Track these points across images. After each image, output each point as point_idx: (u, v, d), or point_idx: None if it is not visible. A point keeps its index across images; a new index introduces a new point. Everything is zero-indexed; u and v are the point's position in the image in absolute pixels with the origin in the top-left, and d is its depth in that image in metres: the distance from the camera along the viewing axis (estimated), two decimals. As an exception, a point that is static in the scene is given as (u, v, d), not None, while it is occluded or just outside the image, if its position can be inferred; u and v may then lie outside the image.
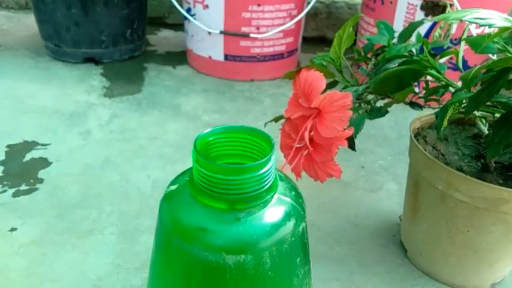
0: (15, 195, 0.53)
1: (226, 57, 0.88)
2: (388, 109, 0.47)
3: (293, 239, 0.24)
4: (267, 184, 0.24)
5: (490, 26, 0.27)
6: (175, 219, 0.24)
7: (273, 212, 0.24)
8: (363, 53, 0.50)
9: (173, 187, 0.26)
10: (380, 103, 0.47)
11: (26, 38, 1.05)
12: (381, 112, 0.50)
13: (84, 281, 0.42)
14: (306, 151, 0.42)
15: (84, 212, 0.51)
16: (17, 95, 0.78)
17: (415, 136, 0.45)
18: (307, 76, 0.37)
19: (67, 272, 0.43)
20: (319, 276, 0.44)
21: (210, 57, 0.89)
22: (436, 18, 0.32)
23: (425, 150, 0.42)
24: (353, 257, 0.47)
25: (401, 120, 0.77)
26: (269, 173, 0.23)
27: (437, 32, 0.67)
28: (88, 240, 0.47)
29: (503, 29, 0.26)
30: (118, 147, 0.64)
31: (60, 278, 0.42)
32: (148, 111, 0.76)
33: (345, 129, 0.39)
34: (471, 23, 0.27)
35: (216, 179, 0.22)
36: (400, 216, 0.52)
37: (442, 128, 0.34)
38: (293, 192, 0.26)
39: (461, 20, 0.28)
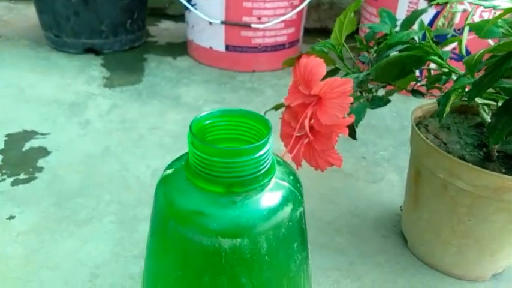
0: (14, 183, 0.53)
1: (227, 47, 0.87)
2: (390, 100, 0.46)
3: (290, 223, 0.24)
4: (264, 167, 0.23)
5: (494, 7, 0.26)
6: (171, 202, 0.24)
7: (270, 196, 0.23)
8: (364, 42, 0.50)
9: (169, 171, 0.26)
10: (381, 92, 0.46)
11: (26, 29, 1.04)
12: (383, 101, 0.49)
13: (82, 269, 0.42)
14: (306, 140, 0.42)
15: (83, 201, 0.51)
16: (17, 85, 0.78)
17: (417, 125, 0.45)
18: (307, 62, 0.36)
19: (65, 259, 0.43)
20: (319, 265, 0.44)
21: (211, 47, 0.89)
22: (440, 0, 0.31)
23: (427, 138, 0.41)
24: (353, 247, 0.47)
25: (403, 111, 0.76)
26: (266, 156, 0.23)
27: (440, 21, 0.66)
28: (86, 228, 0.47)
29: (507, 10, 0.26)
30: (118, 137, 0.64)
31: (58, 266, 0.42)
32: (148, 101, 0.75)
33: (345, 116, 0.39)
34: (475, 4, 0.27)
35: (212, 161, 0.22)
36: (401, 207, 0.51)
37: (444, 115, 0.34)
38: (291, 177, 0.26)
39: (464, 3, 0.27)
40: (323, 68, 0.35)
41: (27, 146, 0.60)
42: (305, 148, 0.42)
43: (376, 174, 0.59)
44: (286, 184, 0.25)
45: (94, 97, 0.75)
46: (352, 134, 0.45)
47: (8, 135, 0.62)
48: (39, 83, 0.79)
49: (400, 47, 0.39)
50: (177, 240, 0.23)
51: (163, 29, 1.12)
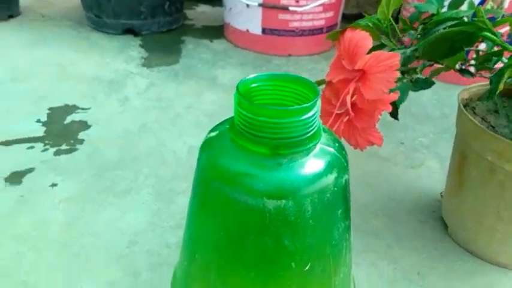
0: (56, 154, 0.55)
1: (264, 30, 0.86)
2: (434, 82, 0.44)
3: (335, 189, 0.23)
4: (310, 130, 0.23)
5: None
6: (216, 163, 0.24)
7: (316, 161, 0.23)
8: (409, 23, 0.48)
9: (213, 134, 0.26)
10: (425, 76, 0.45)
11: (68, 9, 1.07)
12: (427, 83, 0.48)
13: (121, 236, 0.43)
14: (347, 117, 0.41)
15: (122, 173, 0.52)
16: (59, 63, 0.80)
17: (464, 107, 0.43)
18: (352, 36, 0.36)
19: (104, 227, 0.44)
20: (355, 246, 0.43)
21: (247, 30, 0.88)
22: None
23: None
24: (390, 231, 0.46)
25: (444, 99, 0.73)
26: (314, 119, 0.23)
27: (489, 4, 0.63)
28: (125, 199, 0.48)
29: None
30: (155, 115, 0.65)
31: (98, 233, 0.43)
32: (185, 81, 0.76)
33: (390, 92, 0.38)
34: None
35: (259, 121, 0.22)
36: (441, 193, 0.50)
37: (497, 93, 0.32)
38: (336, 144, 0.25)
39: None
40: (369, 42, 0.34)
41: (68, 120, 0.62)
42: (345, 126, 0.41)
43: (415, 160, 0.57)
44: (332, 150, 0.24)
45: (132, 76, 0.77)
46: (395, 114, 0.44)
47: (50, 109, 0.64)
48: (80, 62, 0.81)
49: (450, 23, 0.38)
50: (221, 201, 0.23)
51: (200, 13, 1.12)
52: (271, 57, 0.88)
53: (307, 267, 0.23)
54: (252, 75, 0.25)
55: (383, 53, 0.34)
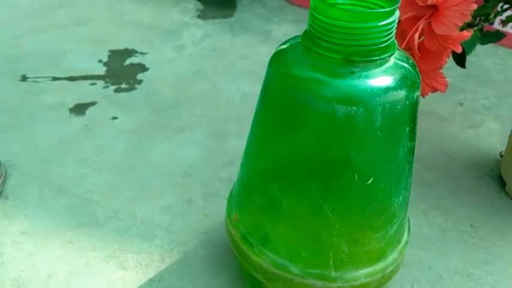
0: (116, 91, 0.57)
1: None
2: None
3: (407, 103, 0.23)
4: (387, 39, 0.22)
5: None
6: (287, 71, 0.24)
7: (389, 72, 0.23)
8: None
9: (284, 46, 0.26)
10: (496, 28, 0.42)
11: (127, -37, 1.09)
12: (497, 35, 0.46)
13: (176, 167, 0.45)
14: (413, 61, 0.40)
15: (177, 112, 0.53)
16: (119, 11, 0.82)
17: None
18: (428, -32, 0.34)
19: (161, 158, 0.46)
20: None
21: (304, -13, 0.86)
22: None
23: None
24: (443, 184, 0.45)
25: (509, 64, 0.69)
26: (392, 27, 0.22)
27: None
28: (180, 136, 0.50)
29: None
30: (209, 62, 0.66)
31: (154, 162, 0.45)
32: (239, 34, 0.76)
33: (462, 30, 0.36)
34: None
35: (336, 26, 0.22)
36: (500, 153, 0.48)
37: None
38: (410, 61, 0.25)
39: None
40: (446, -27, 0.33)
41: (127, 62, 0.64)
42: (408, 70, 0.40)
43: (474, 121, 0.55)
44: (406, 65, 0.24)
45: (188, 26, 0.77)
46: (462, 61, 0.42)
47: (111, 51, 0.67)
48: (137, 11, 0.83)
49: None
50: (291, 108, 0.23)
51: (255, -29, 1.11)
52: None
53: (369, 182, 0.24)
54: None
55: (459, -14, 0.32)
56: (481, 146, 0.50)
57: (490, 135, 0.52)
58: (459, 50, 0.35)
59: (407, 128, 0.24)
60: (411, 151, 0.25)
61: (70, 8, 0.82)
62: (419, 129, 0.52)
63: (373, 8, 0.24)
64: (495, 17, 0.41)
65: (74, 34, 0.72)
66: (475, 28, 0.44)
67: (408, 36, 0.37)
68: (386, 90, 0.22)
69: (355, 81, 0.22)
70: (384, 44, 0.22)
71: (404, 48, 0.38)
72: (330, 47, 0.22)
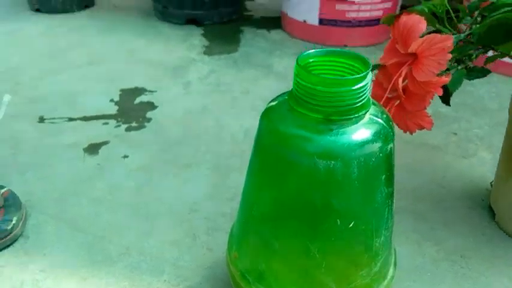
0: (127, 129, 0.61)
1: (321, 21, 0.88)
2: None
3: (381, 155, 0.26)
4: (361, 100, 0.25)
5: None
6: (275, 128, 0.27)
7: (364, 128, 0.26)
8: (467, 11, 0.48)
9: (273, 103, 0.29)
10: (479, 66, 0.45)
11: (137, 0, 1.15)
12: (482, 72, 0.48)
13: (182, 203, 0.48)
14: (398, 101, 0.43)
15: (184, 149, 0.57)
16: (129, 49, 0.87)
17: (518, 95, 0.43)
18: (407, 20, 0.37)
19: (168, 195, 0.49)
20: (398, 225, 0.45)
21: (304, 21, 0.91)
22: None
23: (528, 108, 0.40)
24: (435, 215, 0.47)
25: (503, 92, 0.72)
26: (365, 89, 0.25)
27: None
28: (186, 172, 0.53)
29: None
30: (214, 98, 0.69)
31: (163, 199, 0.49)
32: (243, 68, 0.80)
33: (442, 75, 0.39)
34: None
35: (316, 90, 0.25)
36: (491, 183, 0.50)
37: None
38: (384, 115, 0.28)
39: None
40: (423, 25, 0.36)
41: (137, 100, 0.68)
42: (396, 110, 0.43)
43: (468, 150, 0.57)
44: (380, 120, 0.27)
45: (195, 62, 0.82)
46: (446, 99, 0.45)
47: (122, 90, 0.71)
48: (147, 48, 0.88)
49: (507, 9, 0.38)
50: (278, 161, 0.27)
51: (258, 4, 1.16)
52: (327, 47, 0.89)
53: (351, 225, 0.26)
54: (310, 51, 0.28)
55: (436, 36, 0.35)
56: (473, 176, 0.53)
57: (482, 165, 0.55)
58: (440, 93, 0.38)
59: (383, 176, 0.27)
60: (389, 195, 0.28)
61: (84, 47, 0.87)
62: (414, 161, 0.55)
63: (349, 69, 0.28)
64: (476, 57, 0.44)
65: (87, 74, 0.77)
66: (459, 67, 0.47)
67: (393, 80, 0.40)
68: (362, 144, 0.25)
69: (334, 138, 0.25)
70: (359, 104, 0.26)
71: (390, 90, 0.41)
72: (312, 107, 0.25)
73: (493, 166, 0.54)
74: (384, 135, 0.26)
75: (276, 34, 0.96)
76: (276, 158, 0.26)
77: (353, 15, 0.86)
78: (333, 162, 0.25)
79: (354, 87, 0.25)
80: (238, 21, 1.04)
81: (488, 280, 0.40)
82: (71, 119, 0.63)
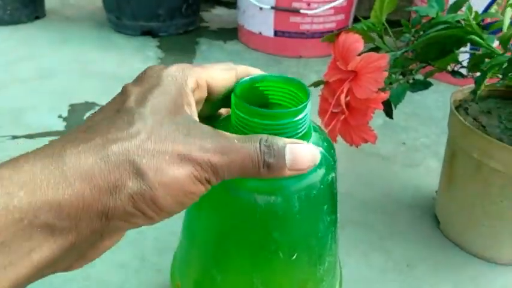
0: (75, 146, 0.59)
1: (275, 33, 0.89)
2: (432, 83, 0.46)
3: (322, 186, 0.25)
4: (301, 132, 0.24)
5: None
6: None
7: None
8: (410, 26, 0.50)
9: None
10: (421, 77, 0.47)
11: (90, 12, 1.12)
12: (424, 85, 0.50)
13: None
14: (342, 116, 0.43)
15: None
16: (81, 61, 0.85)
17: (457, 108, 0.45)
18: (345, 39, 0.38)
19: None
20: (348, 237, 0.45)
21: (260, 33, 0.91)
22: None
23: (465, 121, 0.42)
24: (384, 225, 0.48)
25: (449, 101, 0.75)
26: (304, 121, 0.24)
27: (493, 8, 0.64)
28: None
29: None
30: (168, 112, 0.68)
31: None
32: (198, 81, 0.79)
33: (381, 91, 0.40)
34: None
35: (253, 122, 0.23)
36: (436, 191, 0.52)
37: (478, 92, 0.34)
38: (325, 143, 0.27)
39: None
40: (361, 44, 0.37)
41: (87, 115, 0.66)
42: (341, 124, 0.43)
43: (415, 160, 0.59)
44: (321, 149, 0.25)
45: (149, 75, 0.81)
46: (389, 113, 0.46)
47: (71, 105, 0.69)
48: (100, 60, 0.85)
49: (441, 26, 0.40)
50: (217, 195, 0.25)
51: (215, 15, 1.16)
52: (282, 58, 0.90)
53: (294, 257, 0.26)
54: (247, 77, 0.26)
55: (372, 55, 0.36)
56: (420, 185, 0.54)
57: (428, 174, 0.56)
58: (380, 108, 0.39)
59: (325, 206, 0.26)
60: (332, 222, 0.28)
61: (34, 60, 0.84)
62: (364, 172, 0.56)
63: (288, 94, 0.26)
64: (416, 72, 0.46)
65: (36, 88, 0.74)
66: (401, 81, 0.48)
67: (336, 96, 0.40)
68: (301, 178, 0.24)
69: None
70: (299, 135, 0.24)
71: (334, 105, 0.42)
72: None
73: (438, 174, 0.56)
74: (325, 165, 0.25)
75: (232, 45, 0.96)
76: (216, 192, 0.24)
77: (307, 27, 0.88)
78: (272, 197, 0.24)
79: (293, 119, 0.23)
80: (194, 32, 1.03)
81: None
82: (14, 137, 0.60)
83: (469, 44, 0.42)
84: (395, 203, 0.51)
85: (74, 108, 0.68)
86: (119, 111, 0.22)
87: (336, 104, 0.42)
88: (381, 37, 0.42)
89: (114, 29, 1.00)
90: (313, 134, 0.27)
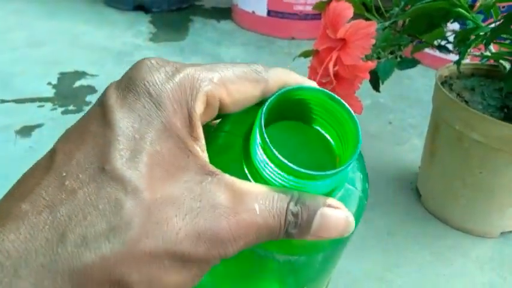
0: (64, 113, 0.59)
1: (269, 12, 0.89)
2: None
3: (349, 236, 0.19)
4: (336, 187, 0.19)
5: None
6: None
7: None
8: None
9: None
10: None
11: (83, -14, 1.11)
12: (412, 62, 0.51)
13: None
14: (331, 86, 0.44)
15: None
16: (73, 33, 0.84)
17: (442, 84, 0.46)
18: (335, 6, 0.39)
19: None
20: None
21: (253, 12, 0.91)
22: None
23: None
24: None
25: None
26: (340, 181, 0.19)
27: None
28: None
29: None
30: (158, 84, 0.68)
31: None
32: (190, 56, 0.79)
33: (368, 60, 0.41)
34: None
35: (283, 177, 0.18)
36: (419, 167, 0.53)
37: (461, 61, 0.35)
38: (361, 175, 0.22)
39: None
40: (350, 11, 0.37)
41: (77, 84, 0.66)
42: (329, 94, 0.44)
43: (401, 138, 0.60)
44: (356, 191, 0.21)
45: (140, 48, 0.80)
46: (376, 86, 0.47)
47: (61, 73, 0.69)
48: (91, 33, 0.85)
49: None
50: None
51: (210, -5, 1.16)
52: (274, 39, 0.91)
53: None
54: (278, 93, 0.18)
55: (361, 22, 0.37)
56: (404, 161, 0.55)
57: (413, 151, 0.58)
58: (367, 77, 0.40)
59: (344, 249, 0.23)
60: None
61: (24, 30, 0.83)
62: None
63: (332, 115, 0.19)
64: (405, 46, 0.47)
65: (25, 56, 0.73)
66: (390, 56, 0.49)
67: (324, 64, 0.41)
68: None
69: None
70: (332, 189, 0.19)
71: (322, 75, 0.42)
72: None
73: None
74: (359, 213, 0.20)
75: (225, 24, 0.96)
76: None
77: (300, 8, 0.88)
78: (295, 257, 0.20)
79: (327, 182, 0.18)
80: (188, 10, 1.03)
81: (412, 255, 0.42)
82: (3, 101, 0.60)
83: (457, 24, 0.43)
84: (379, 177, 0.52)
85: (63, 76, 0.68)
86: (98, 170, 0.14)
87: (324, 73, 0.43)
88: (370, 8, 0.42)
89: (107, 3, 0.99)
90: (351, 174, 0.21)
